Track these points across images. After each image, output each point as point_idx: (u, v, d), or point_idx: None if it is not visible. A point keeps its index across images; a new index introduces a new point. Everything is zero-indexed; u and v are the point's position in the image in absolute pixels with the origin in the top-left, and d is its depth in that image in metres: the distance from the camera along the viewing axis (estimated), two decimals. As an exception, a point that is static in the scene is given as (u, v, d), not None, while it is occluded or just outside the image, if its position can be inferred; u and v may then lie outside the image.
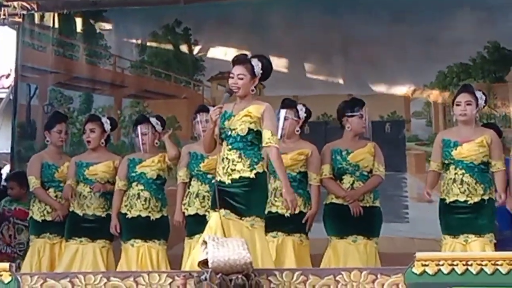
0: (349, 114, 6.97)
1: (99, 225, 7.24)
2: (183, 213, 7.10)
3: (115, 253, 7.31)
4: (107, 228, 7.20)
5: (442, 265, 4.90)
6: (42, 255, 7.38)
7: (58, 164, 7.53)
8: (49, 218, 7.44)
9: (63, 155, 7.73)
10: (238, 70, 5.84)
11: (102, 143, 7.42)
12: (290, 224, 6.76)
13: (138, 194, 7.17)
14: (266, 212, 6.44)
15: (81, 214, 7.26)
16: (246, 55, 6.02)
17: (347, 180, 6.88)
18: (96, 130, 7.40)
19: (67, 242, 7.25)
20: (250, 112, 5.78)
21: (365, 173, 6.90)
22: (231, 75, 5.86)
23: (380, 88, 9.49)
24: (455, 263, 4.89)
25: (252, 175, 5.72)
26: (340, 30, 9.61)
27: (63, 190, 7.33)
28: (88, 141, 7.39)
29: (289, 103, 7.06)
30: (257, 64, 5.86)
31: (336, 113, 7.16)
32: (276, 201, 6.72)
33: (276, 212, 6.71)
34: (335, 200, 6.88)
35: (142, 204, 7.14)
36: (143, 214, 7.14)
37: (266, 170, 5.89)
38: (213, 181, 5.97)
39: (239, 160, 5.74)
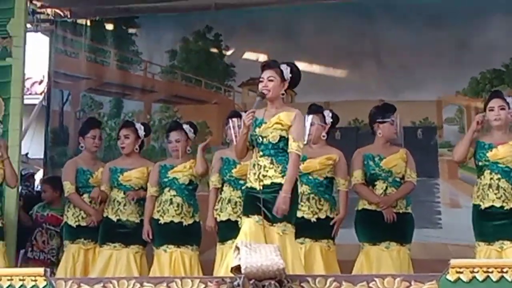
0: (380, 120, 6.96)
1: (132, 231, 7.26)
2: (215, 218, 7.10)
3: (148, 258, 7.32)
4: (140, 233, 7.21)
5: (477, 272, 4.86)
6: (77, 261, 7.41)
7: (92, 170, 7.57)
8: (83, 224, 7.48)
9: (97, 161, 7.77)
10: (268, 73, 5.88)
11: (136, 149, 7.44)
12: (317, 230, 6.76)
13: (171, 199, 7.18)
14: None
15: (115, 220, 7.28)
16: (275, 60, 6.03)
17: (380, 186, 6.86)
18: (130, 136, 7.42)
19: (100, 248, 7.27)
20: (281, 119, 5.80)
21: (398, 179, 6.87)
22: (261, 79, 5.90)
23: (412, 94, 9.43)
24: (490, 270, 4.85)
25: (283, 181, 5.71)
26: (372, 35, 9.60)
27: (92, 191, 7.34)
28: (123, 147, 7.41)
29: (315, 109, 7.07)
30: (286, 68, 5.90)
31: (368, 118, 7.14)
32: (302, 205, 6.68)
33: (302, 217, 6.67)
34: (367, 206, 6.85)
35: (175, 210, 7.15)
36: (176, 220, 7.14)
37: (297, 176, 5.88)
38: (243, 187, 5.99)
39: (271, 166, 5.76)
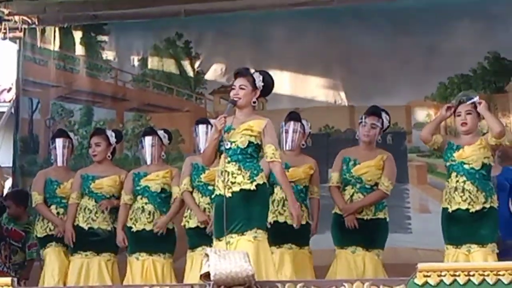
0: (359, 123, 6.99)
1: (104, 239, 7.23)
2: (184, 225, 7.08)
3: (120, 266, 7.29)
4: (112, 241, 7.20)
5: (444, 275, 4.88)
6: (58, 259, 7.37)
7: (61, 180, 7.51)
8: (52, 233, 7.44)
9: (70, 171, 7.68)
10: (239, 81, 5.88)
11: (109, 156, 7.41)
12: (296, 235, 6.74)
13: (142, 207, 7.16)
14: (273, 221, 6.56)
15: (86, 228, 7.24)
16: (248, 68, 6.04)
17: (348, 191, 6.88)
18: (101, 143, 7.39)
19: (72, 257, 7.24)
20: (251, 126, 5.80)
21: (368, 186, 6.85)
22: (233, 87, 5.89)
23: (381, 100, 9.44)
24: (457, 273, 4.86)
25: (253, 187, 5.72)
26: (342, 41, 9.63)
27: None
28: (94, 155, 7.38)
29: (296, 117, 7.09)
30: (258, 77, 5.91)
31: None
32: (285, 211, 6.69)
33: (285, 222, 6.71)
34: (337, 211, 6.89)
35: (147, 218, 7.13)
36: (148, 228, 7.12)
37: (266, 181, 5.88)
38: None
39: (239, 172, 5.74)
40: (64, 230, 7.30)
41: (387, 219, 6.90)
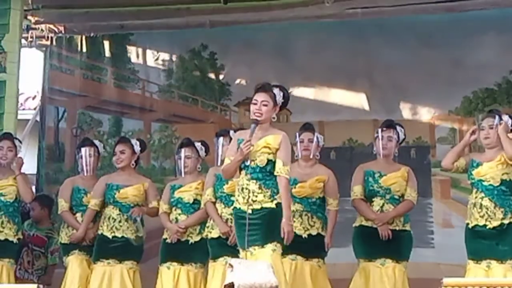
0: (375, 136, 6.99)
1: (127, 247, 7.25)
2: (206, 236, 7.10)
3: (142, 275, 7.32)
4: (135, 249, 7.24)
5: (469, 290, 4.89)
6: (79, 267, 7.39)
7: (88, 189, 7.53)
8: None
9: (97, 180, 7.65)
10: (261, 97, 5.90)
11: (132, 164, 7.45)
12: (307, 246, 6.77)
13: (176, 218, 7.19)
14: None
15: (110, 237, 7.26)
16: (269, 83, 6.04)
17: (377, 202, 6.84)
18: (126, 151, 7.42)
19: (94, 264, 7.27)
20: (269, 143, 5.84)
21: (396, 197, 6.84)
22: (253, 101, 5.91)
23: (405, 113, 9.50)
24: (481, 289, 4.88)
25: (273, 205, 5.80)
26: (366, 54, 9.64)
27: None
28: (119, 162, 7.42)
29: (310, 127, 7.08)
30: (279, 93, 5.95)
31: None
32: (294, 221, 6.62)
33: (294, 232, 6.70)
34: (364, 223, 6.84)
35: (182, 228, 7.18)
36: (182, 238, 7.15)
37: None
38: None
39: (260, 191, 5.80)
40: (88, 238, 7.36)
41: (411, 232, 6.90)
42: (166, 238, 7.19)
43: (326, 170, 7.00)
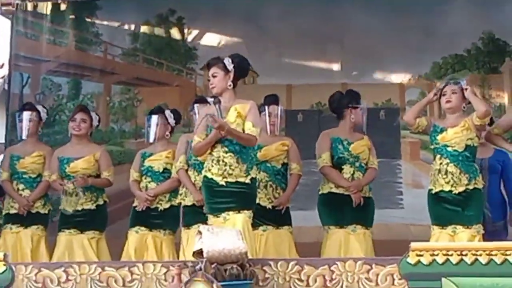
0: (355, 105, 6.95)
1: (88, 217, 7.18)
2: (179, 203, 7.07)
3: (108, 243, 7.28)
4: (97, 219, 7.21)
5: (437, 255, 4.89)
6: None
7: (23, 155, 7.46)
8: (13, 211, 7.42)
9: (37, 144, 7.62)
10: (211, 70, 6.06)
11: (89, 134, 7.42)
12: (274, 217, 6.82)
13: (146, 186, 7.20)
14: None
15: (71, 211, 7.16)
16: (217, 57, 6.15)
17: (348, 170, 6.85)
18: (87, 121, 7.34)
19: (58, 234, 7.18)
20: (239, 112, 5.92)
21: (363, 165, 6.90)
22: (208, 79, 6.07)
23: (375, 77, 9.49)
24: (449, 253, 4.88)
25: (247, 180, 5.89)
26: (337, 20, 9.55)
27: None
28: (77, 130, 7.28)
29: (275, 100, 7.10)
30: (228, 61, 6.03)
31: (334, 102, 7.09)
32: (259, 192, 6.66)
33: (258, 204, 6.62)
34: (334, 190, 6.84)
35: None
36: (152, 206, 7.14)
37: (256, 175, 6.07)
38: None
39: (237, 165, 5.88)
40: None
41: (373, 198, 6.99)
42: (136, 206, 7.19)
43: (286, 137, 7.16)
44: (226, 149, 5.90)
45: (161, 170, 7.20)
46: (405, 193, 9.28)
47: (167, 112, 7.35)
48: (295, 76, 9.62)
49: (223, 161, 5.89)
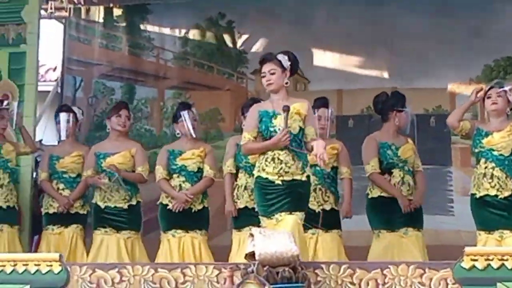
0: (400, 108, 6.93)
1: (122, 217, 7.23)
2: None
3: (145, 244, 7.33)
4: (131, 219, 7.25)
5: (492, 260, 4.85)
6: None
7: (62, 155, 7.58)
8: (52, 211, 7.53)
9: (75, 145, 7.75)
10: (267, 67, 5.88)
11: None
12: (323, 221, 6.81)
13: (180, 185, 7.17)
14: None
15: (102, 207, 7.23)
16: (271, 53, 6.00)
17: (398, 174, 6.84)
18: (130, 118, 7.49)
19: (93, 232, 7.24)
20: (298, 110, 5.80)
21: (411, 169, 6.90)
22: (262, 74, 5.90)
23: (425, 82, 9.42)
24: (505, 258, 4.84)
25: (304, 178, 5.78)
26: (385, 22, 9.55)
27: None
28: (123, 127, 7.36)
29: (326, 102, 7.10)
30: (283, 58, 5.90)
31: (380, 103, 7.08)
32: None
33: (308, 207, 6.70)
34: (384, 194, 6.82)
35: None
36: (186, 206, 7.13)
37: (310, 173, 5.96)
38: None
39: (293, 162, 5.75)
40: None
41: None
42: (167, 205, 7.16)
43: (336, 141, 7.13)
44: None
45: (195, 170, 7.18)
46: (456, 201, 9.19)
47: (194, 109, 7.35)
48: (344, 81, 9.62)
49: (278, 159, 5.74)
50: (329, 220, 6.85)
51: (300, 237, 5.70)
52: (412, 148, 6.93)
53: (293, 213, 5.69)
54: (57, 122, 7.69)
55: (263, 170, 5.80)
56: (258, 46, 10.00)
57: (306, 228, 6.38)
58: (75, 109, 7.86)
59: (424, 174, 7.06)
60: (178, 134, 7.30)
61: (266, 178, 5.78)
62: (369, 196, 6.92)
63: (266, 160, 5.80)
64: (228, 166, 7.10)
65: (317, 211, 6.80)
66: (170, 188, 7.17)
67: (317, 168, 6.80)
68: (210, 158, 7.26)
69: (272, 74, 5.85)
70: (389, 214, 6.77)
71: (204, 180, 7.19)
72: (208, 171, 7.20)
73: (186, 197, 7.07)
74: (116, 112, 7.37)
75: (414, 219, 6.77)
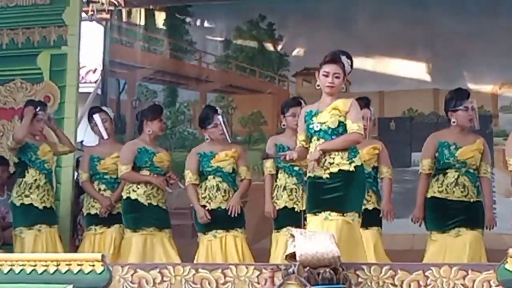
0: (452, 108, 6.76)
1: (162, 216, 7.33)
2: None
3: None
4: (168, 218, 7.37)
5: (537, 261, 4.81)
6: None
7: (103, 156, 7.64)
8: (93, 211, 7.61)
9: (116, 144, 7.79)
10: (333, 69, 5.73)
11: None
12: (365, 220, 6.72)
13: (217, 186, 7.16)
14: None
15: (146, 204, 7.27)
16: (338, 53, 5.85)
17: (452, 174, 6.69)
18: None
19: (135, 232, 7.26)
20: (337, 106, 5.73)
21: (471, 171, 6.71)
22: (324, 72, 5.75)
23: (467, 83, 9.34)
24: (549, 259, 4.79)
25: (351, 168, 5.66)
26: (426, 23, 9.49)
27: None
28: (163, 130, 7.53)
29: (368, 103, 7.01)
30: (347, 62, 5.82)
31: (444, 104, 6.93)
32: None
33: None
34: (437, 194, 6.71)
35: (222, 196, 7.15)
36: (223, 206, 7.13)
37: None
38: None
39: (337, 152, 5.67)
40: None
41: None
42: (206, 206, 7.13)
43: (377, 141, 7.06)
44: (322, 140, 5.70)
45: (230, 171, 7.18)
46: (498, 202, 9.08)
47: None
48: (385, 83, 9.58)
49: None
50: (370, 219, 6.75)
51: (350, 236, 5.62)
52: (477, 149, 6.72)
53: (345, 214, 5.62)
54: (94, 125, 7.72)
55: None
56: (299, 49, 9.99)
57: None
58: (105, 109, 7.94)
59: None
60: (207, 139, 7.28)
61: (315, 176, 5.71)
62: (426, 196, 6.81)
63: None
64: (268, 167, 7.10)
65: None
66: (195, 197, 7.17)
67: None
68: (244, 159, 7.29)
69: (337, 77, 5.74)
70: (439, 214, 6.66)
71: (243, 184, 7.22)
72: (246, 172, 7.23)
73: (237, 204, 7.08)
74: (158, 117, 7.45)
75: (469, 220, 6.62)
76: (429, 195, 6.75)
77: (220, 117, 7.21)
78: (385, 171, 6.94)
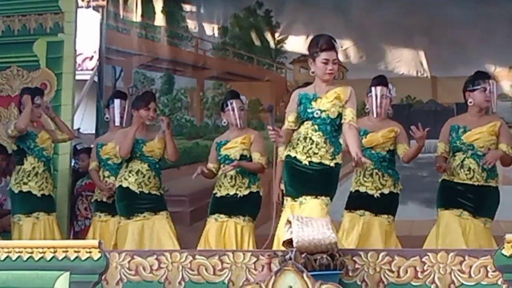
0: (471, 88, 6.73)
1: (157, 202, 7.30)
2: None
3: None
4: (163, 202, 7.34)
5: (533, 247, 4.82)
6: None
7: (106, 142, 7.65)
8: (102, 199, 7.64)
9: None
10: (332, 55, 5.76)
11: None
12: (379, 205, 6.74)
13: (224, 174, 7.13)
14: (354, 190, 6.71)
15: (137, 192, 7.24)
16: (332, 40, 5.83)
17: (459, 157, 6.68)
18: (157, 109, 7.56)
19: (128, 220, 7.23)
20: (339, 95, 5.73)
21: (479, 153, 6.61)
22: (323, 60, 5.74)
23: (464, 70, 9.30)
24: (546, 245, 4.80)
25: (332, 164, 5.72)
26: (424, 11, 9.45)
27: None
28: (151, 119, 7.39)
29: (383, 81, 6.96)
30: (339, 48, 5.90)
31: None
32: (365, 181, 6.73)
33: (366, 192, 6.72)
34: (446, 177, 6.71)
35: (229, 182, 7.14)
36: (231, 192, 7.13)
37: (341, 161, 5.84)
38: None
39: (324, 145, 5.70)
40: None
41: (498, 188, 6.74)
42: (217, 193, 7.16)
43: (396, 123, 6.93)
44: (316, 127, 5.73)
45: (237, 158, 7.13)
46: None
47: (243, 98, 7.30)
48: (383, 70, 9.53)
49: (310, 138, 5.71)
50: (385, 205, 6.77)
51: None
52: (487, 131, 6.64)
53: (318, 197, 5.66)
54: (111, 108, 7.70)
55: (293, 148, 5.79)
56: (295, 34, 9.96)
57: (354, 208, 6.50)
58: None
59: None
60: (224, 122, 7.31)
61: (295, 157, 5.76)
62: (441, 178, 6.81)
63: (298, 139, 5.78)
64: (281, 151, 7.03)
65: (375, 195, 6.74)
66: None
67: (372, 151, 6.77)
68: (257, 145, 7.17)
69: (335, 64, 5.77)
70: (446, 195, 6.68)
71: (255, 163, 7.13)
72: (259, 158, 7.13)
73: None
74: (145, 105, 7.35)
75: (473, 205, 6.58)
76: (441, 179, 6.77)
77: (234, 101, 7.18)
78: (402, 149, 6.80)
